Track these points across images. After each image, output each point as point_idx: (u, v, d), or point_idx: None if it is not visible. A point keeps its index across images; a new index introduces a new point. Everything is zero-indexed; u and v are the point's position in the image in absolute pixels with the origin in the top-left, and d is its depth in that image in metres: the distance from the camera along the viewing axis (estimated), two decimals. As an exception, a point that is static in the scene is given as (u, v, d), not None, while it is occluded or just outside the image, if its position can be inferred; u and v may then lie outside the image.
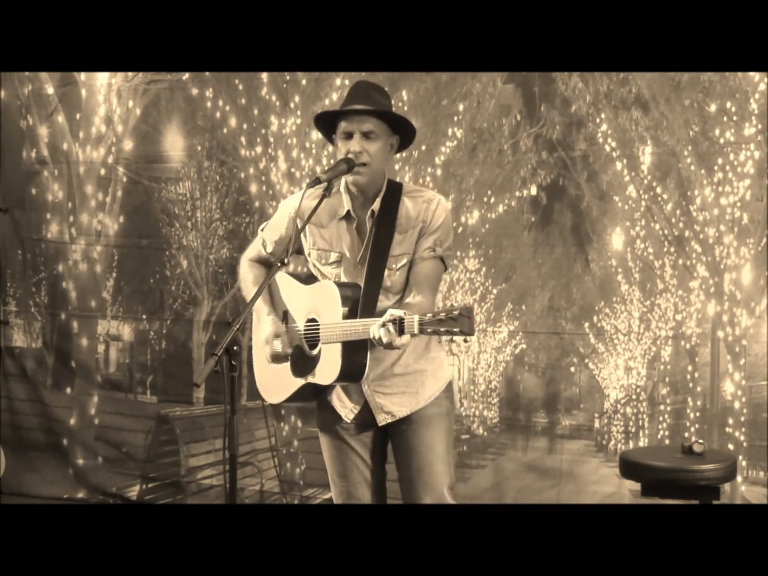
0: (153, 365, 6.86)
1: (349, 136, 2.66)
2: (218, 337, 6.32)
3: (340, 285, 2.62)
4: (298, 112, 6.06)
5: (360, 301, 2.58)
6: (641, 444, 5.42)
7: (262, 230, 2.93)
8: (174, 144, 6.34)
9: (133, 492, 5.70)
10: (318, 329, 2.64)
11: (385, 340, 2.28)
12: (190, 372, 6.43)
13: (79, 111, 6.25)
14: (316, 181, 2.61)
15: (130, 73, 6.05)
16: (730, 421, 5.02)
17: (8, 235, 6.23)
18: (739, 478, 4.70)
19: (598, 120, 5.34)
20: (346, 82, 5.97)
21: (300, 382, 2.71)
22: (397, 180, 2.84)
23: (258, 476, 5.40)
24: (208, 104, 6.16)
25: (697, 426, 5.19)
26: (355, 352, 2.54)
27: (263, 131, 6.09)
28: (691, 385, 5.34)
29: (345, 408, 2.77)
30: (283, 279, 2.88)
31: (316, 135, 6.06)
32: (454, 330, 2.17)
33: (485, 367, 5.94)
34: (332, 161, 5.33)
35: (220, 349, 2.29)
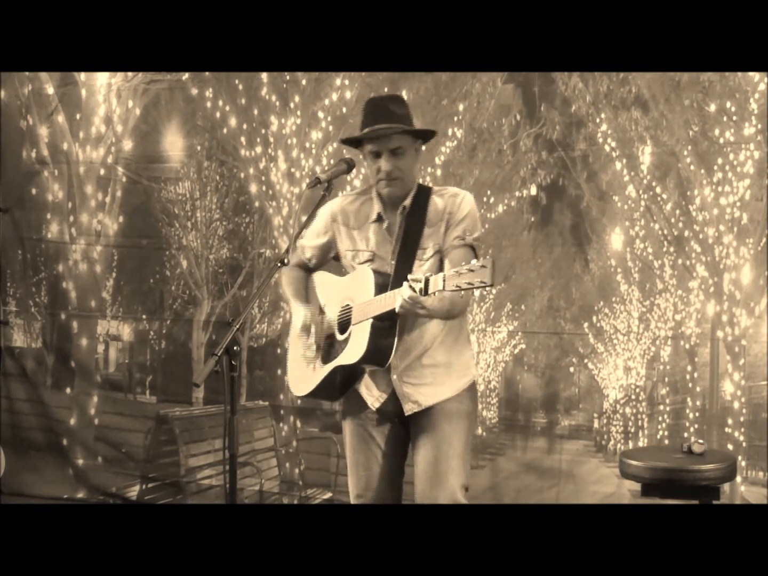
0: (152, 365, 6.86)
1: (377, 154, 2.73)
2: (218, 337, 6.33)
3: (375, 271, 2.71)
4: (298, 112, 6.06)
5: (389, 287, 2.64)
6: (641, 444, 5.42)
7: (301, 238, 3.00)
8: (174, 144, 6.34)
9: (133, 492, 5.69)
10: (350, 311, 2.71)
11: (407, 295, 2.36)
12: (190, 372, 6.43)
13: (79, 111, 6.25)
14: (315, 182, 2.66)
15: (129, 73, 6.05)
16: (730, 421, 5.03)
17: (8, 235, 6.22)
18: (738, 479, 4.70)
19: (598, 120, 5.34)
20: (346, 82, 5.97)
21: (327, 369, 2.77)
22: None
23: (257, 476, 5.40)
24: (208, 104, 6.16)
25: (696, 426, 5.20)
26: (383, 335, 2.61)
27: (263, 131, 6.10)
28: (690, 385, 5.35)
29: (371, 396, 2.81)
30: (320, 277, 2.98)
31: (315, 135, 6.07)
32: (475, 281, 2.22)
33: (484, 367, 5.94)
34: (332, 161, 5.33)
35: (220, 349, 2.29)
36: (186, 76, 6.05)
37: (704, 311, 5.20)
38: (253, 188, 6.22)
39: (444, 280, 2.28)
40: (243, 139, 6.13)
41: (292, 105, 6.05)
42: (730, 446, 4.96)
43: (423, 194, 2.79)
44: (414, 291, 2.35)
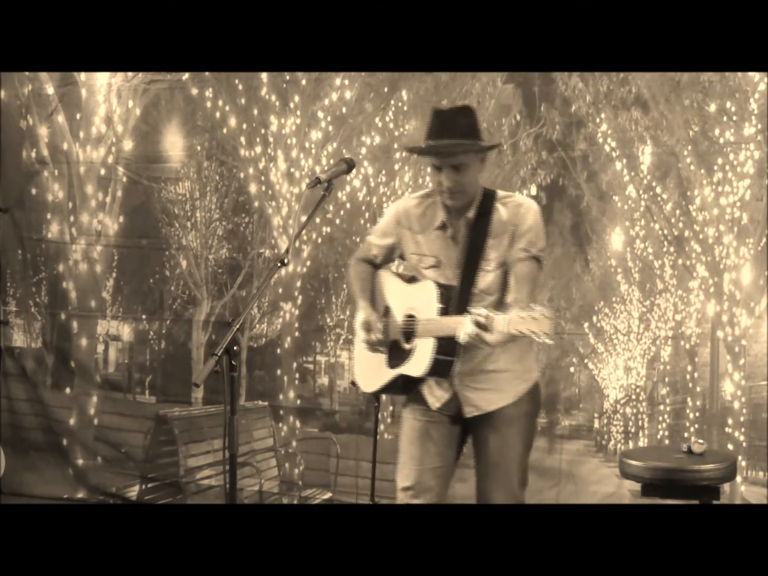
0: (152, 365, 6.87)
1: (438, 168, 2.71)
2: (218, 337, 6.33)
3: (438, 285, 2.73)
4: (298, 112, 6.06)
5: (454, 300, 2.69)
6: (641, 444, 5.42)
7: (369, 235, 3.04)
8: (174, 144, 6.35)
9: (133, 492, 5.68)
10: (414, 324, 2.75)
11: (471, 332, 2.40)
12: (189, 372, 6.44)
13: (79, 111, 6.25)
14: (315, 182, 2.65)
15: (130, 73, 6.06)
16: (730, 421, 5.02)
17: (8, 235, 6.22)
18: (738, 479, 4.70)
19: (598, 120, 5.35)
20: (346, 82, 5.97)
21: (393, 373, 2.83)
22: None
23: (257, 477, 5.40)
24: (208, 104, 6.16)
25: (696, 426, 5.20)
26: (446, 350, 2.66)
27: (263, 131, 6.10)
28: (690, 385, 5.35)
29: (433, 396, 2.86)
30: (387, 278, 2.99)
31: (315, 135, 6.07)
32: (536, 331, 2.29)
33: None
34: (332, 161, 5.33)
35: (220, 349, 2.28)
36: (186, 76, 6.05)
37: (704, 311, 5.21)
38: (253, 188, 6.22)
39: (508, 323, 2.32)
40: (243, 139, 6.13)
41: (291, 105, 6.05)
42: (730, 446, 4.95)
43: (487, 202, 2.78)
44: (478, 327, 2.39)
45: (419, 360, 2.71)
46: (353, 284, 2.97)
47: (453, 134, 2.68)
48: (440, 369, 2.70)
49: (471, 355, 2.75)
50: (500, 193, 2.82)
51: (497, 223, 2.76)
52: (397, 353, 2.81)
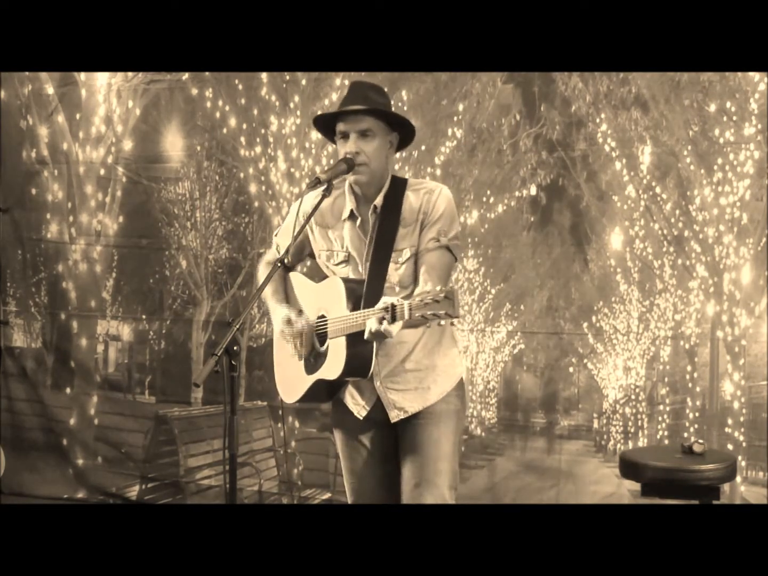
0: (152, 365, 6.85)
1: (345, 136, 2.66)
2: (217, 337, 6.32)
3: (346, 280, 2.63)
4: (298, 112, 6.06)
5: (363, 294, 2.58)
6: (641, 444, 5.42)
7: (275, 235, 2.95)
8: (173, 144, 6.34)
9: (133, 492, 5.69)
10: (326, 324, 2.65)
11: (374, 328, 2.30)
12: (189, 372, 6.43)
13: (79, 111, 6.25)
14: (315, 182, 2.62)
15: (129, 73, 6.05)
16: (730, 421, 5.02)
17: (8, 235, 6.22)
18: (738, 479, 4.70)
19: (597, 120, 5.34)
20: (346, 82, 5.96)
21: (311, 379, 2.71)
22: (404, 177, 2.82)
23: (256, 477, 5.40)
24: (208, 104, 6.16)
25: (696, 426, 5.19)
26: (360, 347, 2.53)
27: (263, 131, 6.09)
28: (690, 385, 5.34)
29: (357, 405, 2.77)
30: (297, 279, 2.89)
31: (315, 135, 6.06)
32: (440, 313, 2.17)
33: (483, 368, 5.94)
34: (332, 161, 5.33)
35: (220, 349, 2.28)
36: (186, 76, 6.05)
37: (704, 311, 5.20)
38: (253, 188, 6.22)
39: (410, 309, 2.20)
40: (243, 139, 6.13)
41: (291, 105, 6.05)
42: (730, 446, 4.95)
43: (397, 190, 2.68)
44: (380, 323, 2.28)
45: (334, 362, 2.59)
46: (263, 287, 2.78)
47: (363, 103, 2.63)
48: (357, 369, 2.58)
49: (391, 354, 2.67)
50: (412, 180, 2.71)
51: (408, 212, 2.65)
52: (312, 358, 2.70)
